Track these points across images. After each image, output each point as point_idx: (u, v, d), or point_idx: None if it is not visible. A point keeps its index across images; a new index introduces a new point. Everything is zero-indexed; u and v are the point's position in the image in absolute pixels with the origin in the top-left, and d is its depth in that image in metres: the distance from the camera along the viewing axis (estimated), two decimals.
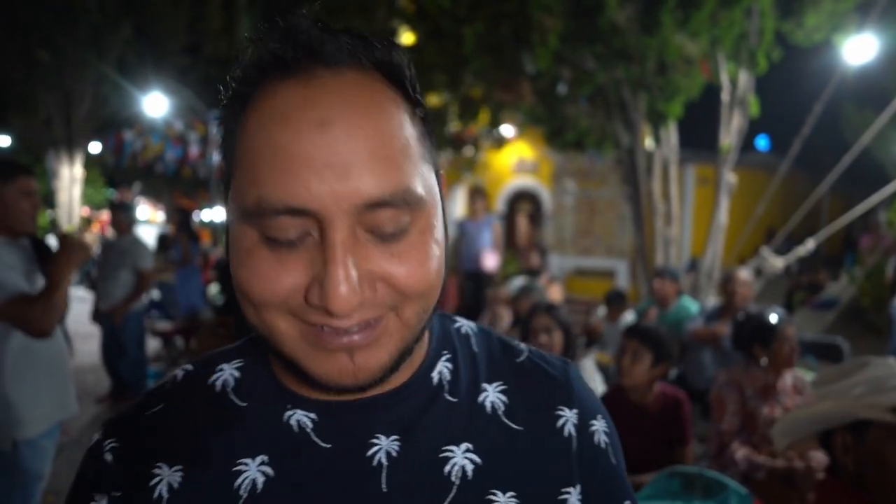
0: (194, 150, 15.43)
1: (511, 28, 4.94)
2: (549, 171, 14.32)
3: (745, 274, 4.81)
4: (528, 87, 5.93)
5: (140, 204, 23.24)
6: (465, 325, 0.75)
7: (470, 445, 0.64)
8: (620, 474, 0.71)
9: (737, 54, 5.37)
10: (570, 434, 0.68)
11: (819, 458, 2.45)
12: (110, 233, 5.82)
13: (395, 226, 0.53)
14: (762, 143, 20.44)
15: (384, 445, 0.61)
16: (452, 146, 7.62)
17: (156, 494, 0.59)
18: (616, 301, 5.45)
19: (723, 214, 5.94)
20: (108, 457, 0.62)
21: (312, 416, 0.62)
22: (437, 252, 0.57)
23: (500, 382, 0.69)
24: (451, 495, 0.61)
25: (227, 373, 0.67)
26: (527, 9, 4.73)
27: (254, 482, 0.59)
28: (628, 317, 5.48)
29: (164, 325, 6.70)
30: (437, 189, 0.59)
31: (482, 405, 0.67)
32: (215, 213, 17.19)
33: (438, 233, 0.58)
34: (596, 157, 9.87)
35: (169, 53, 15.54)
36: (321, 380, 0.56)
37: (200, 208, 23.81)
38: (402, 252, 0.54)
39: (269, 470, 0.60)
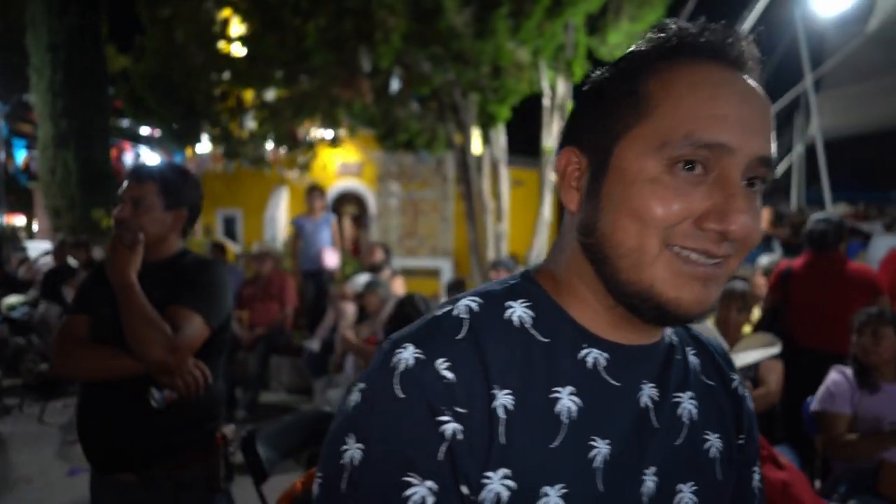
0: None
1: (354, 24, 4.95)
2: (374, 174, 14.42)
3: None
4: (367, 86, 5.98)
5: None
6: None
7: (692, 393, 0.78)
8: (758, 440, 0.89)
9: (555, 63, 5.90)
10: (741, 395, 0.85)
11: None
12: None
13: (762, 181, 0.67)
14: None
15: (646, 390, 0.73)
16: (286, 144, 7.41)
17: (496, 414, 0.64)
18: (457, 289, 5.72)
19: (547, 210, 6.48)
20: (449, 374, 0.64)
21: (606, 355, 0.71)
22: None
23: (691, 347, 0.83)
24: (684, 434, 0.75)
25: (520, 310, 0.71)
26: (370, 6, 4.78)
27: (569, 409, 0.67)
28: None
29: None
30: None
31: (689, 362, 0.81)
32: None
33: None
34: (425, 157, 10.16)
35: None
36: (672, 303, 0.65)
37: None
38: (755, 209, 0.66)
39: (577, 399, 0.68)
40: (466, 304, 0.70)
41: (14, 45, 12.12)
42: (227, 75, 6.33)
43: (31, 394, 5.95)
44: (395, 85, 6.69)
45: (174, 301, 1.88)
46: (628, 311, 0.69)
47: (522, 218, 9.52)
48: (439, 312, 0.70)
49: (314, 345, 5.48)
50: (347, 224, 15.45)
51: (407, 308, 2.93)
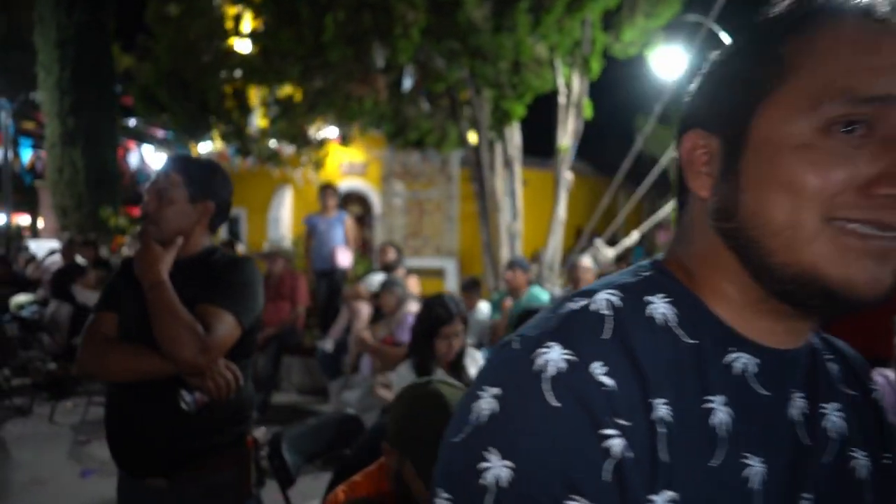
0: None
1: (372, 19, 4.89)
2: (378, 173, 14.35)
3: (587, 261, 5.28)
4: (382, 82, 5.91)
5: None
6: None
7: (838, 405, 0.69)
8: None
9: (571, 59, 5.83)
10: (882, 407, 0.76)
11: None
12: None
13: None
14: None
15: (796, 401, 0.65)
16: (297, 142, 7.35)
17: (656, 428, 0.56)
18: (472, 288, 5.65)
19: (562, 209, 6.41)
20: (609, 381, 0.55)
21: (757, 361, 0.63)
22: None
23: (827, 352, 0.74)
24: (832, 451, 0.67)
25: (662, 306, 0.63)
26: (389, 1, 4.72)
27: (724, 422, 0.59)
28: (483, 307, 5.70)
29: None
30: None
31: (829, 370, 0.72)
32: None
33: None
34: (432, 156, 10.10)
35: None
36: (841, 285, 0.56)
37: None
38: None
39: (730, 410, 0.60)
40: (606, 297, 0.61)
41: (21, 43, 12.04)
42: (238, 73, 6.27)
43: (40, 394, 5.90)
44: (407, 83, 6.63)
45: (205, 299, 1.81)
46: (782, 301, 0.61)
47: (526, 218, 9.48)
48: (575, 307, 0.61)
49: (327, 345, 5.42)
50: (351, 223, 15.39)
51: (437, 309, 2.84)
